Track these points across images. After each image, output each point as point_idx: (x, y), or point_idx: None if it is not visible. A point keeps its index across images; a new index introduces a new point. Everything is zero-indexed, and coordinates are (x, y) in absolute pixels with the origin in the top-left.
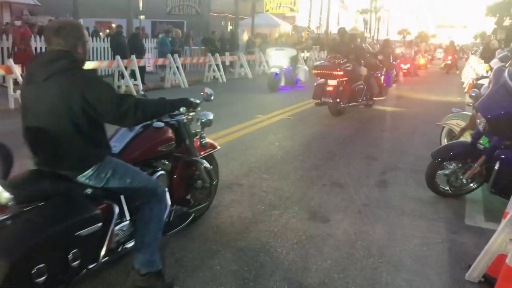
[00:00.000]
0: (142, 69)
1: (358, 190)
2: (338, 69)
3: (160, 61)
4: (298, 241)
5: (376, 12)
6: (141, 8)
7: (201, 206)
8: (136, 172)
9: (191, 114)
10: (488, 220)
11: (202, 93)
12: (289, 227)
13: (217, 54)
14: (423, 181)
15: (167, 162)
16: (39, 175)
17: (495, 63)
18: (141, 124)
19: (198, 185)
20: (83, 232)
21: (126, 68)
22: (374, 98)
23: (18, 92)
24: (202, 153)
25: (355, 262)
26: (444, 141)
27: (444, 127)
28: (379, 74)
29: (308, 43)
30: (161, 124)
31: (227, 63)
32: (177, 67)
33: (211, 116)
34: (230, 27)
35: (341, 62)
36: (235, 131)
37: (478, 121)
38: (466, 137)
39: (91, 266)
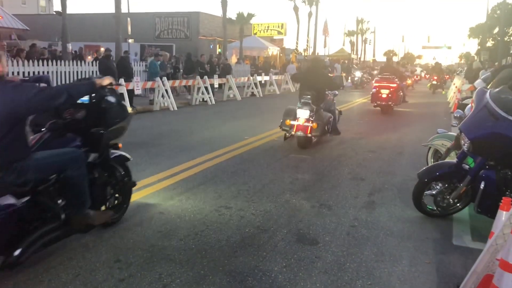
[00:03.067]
0: (130, 92)
1: (346, 212)
2: (393, 82)
3: (149, 84)
4: (287, 264)
5: (362, 34)
6: (129, 32)
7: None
8: None
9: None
10: (475, 240)
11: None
12: (278, 250)
13: (206, 77)
14: (410, 201)
15: None
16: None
17: (478, 83)
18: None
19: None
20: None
21: None
22: (404, 102)
23: None
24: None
25: (344, 284)
26: (431, 162)
27: (430, 147)
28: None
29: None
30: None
31: (216, 86)
32: (166, 90)
33: (337, 93)
34: (218, 50)
35: (391, 77)
36: (224, 153)
37: (463, 141)
38: (452, 157)
39: None
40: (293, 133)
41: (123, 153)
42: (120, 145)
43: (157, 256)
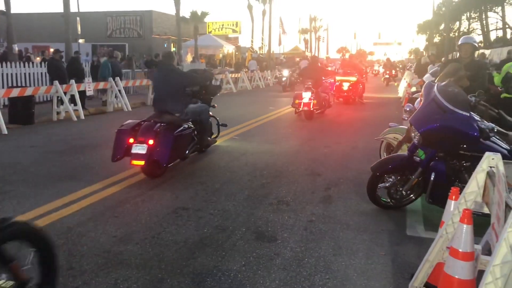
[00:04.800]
0: (82, 93)
1: (303, 207)
2: (352, 76)
3: (101, 85)
4: (246, 263)
5: (315, 31)
6: (79, 32)
7: None
8: None
9: None
10: (428, 230)
11: None
12: (237, 249)
13: None
14: (365, 194)
15: None
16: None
17: (427, 78)
18: None
19: None
20: None
21: (65, 93)
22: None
23: None
24: None
25: (303, 280)
26: (384, 155)
27: (382, 141)
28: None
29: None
30: None
31: None
32: (119, 91)
33: (332, 80)
34: (173, 49)
35: (351, 73)
36: None
37: (413, 134)
38: (404, 150)
39: None
40: (300, 109)
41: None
42: (215, 105)
43: (112, 262)
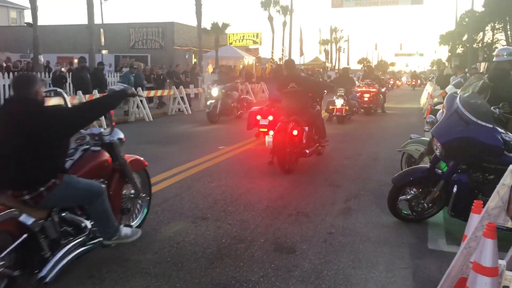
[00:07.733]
0: None
1: (323, 219)
2: (373, 88)
3: None
4: (264, 274)
5: (336, 42)
6: (103, 43)
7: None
8: None
9: None
10: (450, 243)
11: None
12: (255, 260)
13: (182, 87)
14: (386, 207)
15: None
16: (342, 96)
17: (450, 89)
18: None
19: None
20: None
21: None
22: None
23: None
24: None
25: None
26: (405, 167)
27: (404, 153)
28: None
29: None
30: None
31: (192, 96)
32: (141, 101)
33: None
34: (194, 60)
35: (371, 83)
36: (200, 163)
37: (435, 146)
38: (426, 162)
39: None
40: (333, 114)
41: None
42: None
43: (131, 270)
